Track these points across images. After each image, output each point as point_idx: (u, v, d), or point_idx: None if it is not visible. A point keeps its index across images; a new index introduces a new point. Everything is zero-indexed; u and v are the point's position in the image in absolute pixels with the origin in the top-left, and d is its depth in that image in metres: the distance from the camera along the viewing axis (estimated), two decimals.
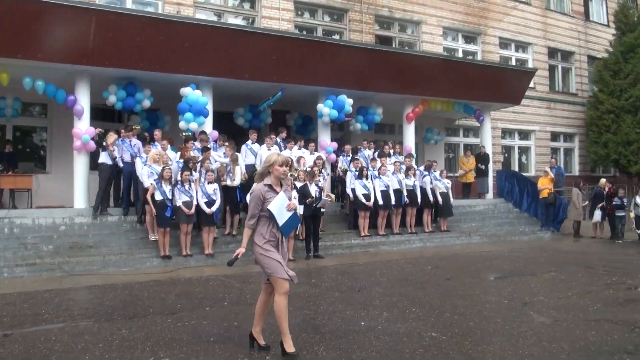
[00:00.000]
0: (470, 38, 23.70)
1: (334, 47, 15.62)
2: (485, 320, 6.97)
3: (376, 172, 14.73)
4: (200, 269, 11.14)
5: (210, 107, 14.07)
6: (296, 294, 8.56)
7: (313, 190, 12.56)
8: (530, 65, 24.50)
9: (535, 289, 9.13)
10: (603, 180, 18.52)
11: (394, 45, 21.12)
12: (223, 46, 13.63)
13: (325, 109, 15.32)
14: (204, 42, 13.38)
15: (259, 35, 14.45)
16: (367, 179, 14.31)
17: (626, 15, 25.21)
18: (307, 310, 7.47)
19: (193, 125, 13.33)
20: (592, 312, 7.48)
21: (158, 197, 11.34)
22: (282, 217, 5.38)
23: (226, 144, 13.41)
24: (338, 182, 15.88)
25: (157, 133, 13.17)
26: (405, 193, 14.97)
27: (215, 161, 12.83)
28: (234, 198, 12.81)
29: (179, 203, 11.52)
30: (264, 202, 5.34)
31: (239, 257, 5.48)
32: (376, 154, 15.89)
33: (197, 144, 13.05)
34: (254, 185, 5.57)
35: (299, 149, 14.66)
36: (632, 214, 17.18)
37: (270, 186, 5.40)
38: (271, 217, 5.34)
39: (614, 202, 17.16)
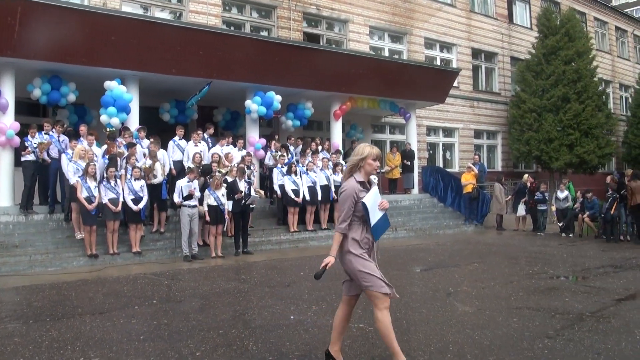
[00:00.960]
0: (396, 37, 24.16)
1: (262, 44, 15.65)
2: (411, 311, 7.21)
3: (304, 168, 14.88)
4: (128, 267, 10.97)
5: (136, 102, 13.86)
6: (225, 290, 8.64)
7: (242, 186, 12.61)
8: (454, 65, 25.19)
9: (459, 280, 9.49)
10: (526, 176, 19.37)
11: (321, 43, 21.29)
12: (150, 40, 13.42)
13: (253, 105, 15.32)
14: (131, 35, 13.15)
15: (186, 30, 14.28)
16: (296, 175, 14.45)
17: (549, 19, 26.27)
18: (237, 306, 7.52)
19: (115, 121, 13.04)
20: (514, 300, 7.85)
21: (83, 194, 11.10)
22: (374, 216, 4.79)
23: (151, 139, 13.20)
24: (267, 179, 15.93)
25: (83, 128, 12.85)
26: (333, 189, 15.15)
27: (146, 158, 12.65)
28: (159, 195, 12.66)
29: (105, 200, 11.31)
30: (357, 202, 4.72)
31: (327, 267, 4.82)
32: (298, 149, 16.09)
33: (123, 140, 12.83)
34: (345, 182, 4.85)
35: (227, 145, 14.62)
36: (553, 208, 18.10)
37: (362, 183, 4.79)
38: (364, 216, 4.73)
39: (536, 197, 17.99)
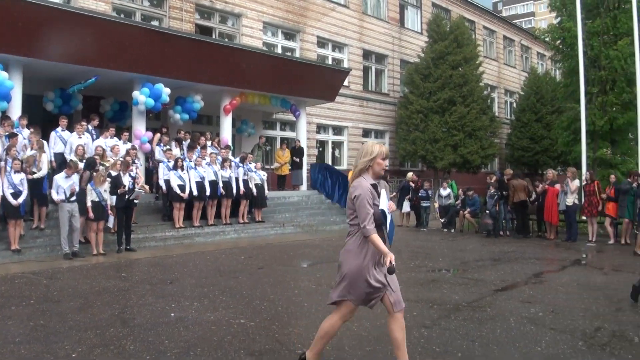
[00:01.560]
0: (289, 35, 24.43)
1: (152, 34, 15.36)
2: (293, 305, 7.44)
3: (192, 164, 14.81)
4: (6, 265, 10.50)
5: (18, 90, 13.31)
6: (105, 288, 8.51)
7: (126, 180, 12.39)
8: (345, 65, 25.83)
9: None
10: (410, 174, 20.25)
11: (214, 36, 21.19)
12: (35, 24, 12.87)
13: (141, 96, 15.05)
14: (15, 18, 12.57)
15: (73, 15, 13.78)
16: (182, 169, 14.35)
17: (439, 25, 27.55)
18: (116, 305, 7.46)
19: None
20: None
21: None
22: (387, 221, 4.70)
23: (31, 129, 12.67)
24: (153, 173, 15.71)
25: None
26: (220, 184, 15.21)
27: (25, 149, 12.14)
28: (40, 189, 12.17)
29: None
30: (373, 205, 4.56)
31: (393, 262, 4.60)
32: (186, 144, 16.02)
33: (1, 130, 12.27)
34: (356, 182, 4.64)
35: (111, 137, 14.27)
36: (436, 205, 19.03)
37: (374, 185, 4.63)
38: (381, 222, 4.62)
39: (419, 194, 18.85)
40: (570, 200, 15.06)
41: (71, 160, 12.34)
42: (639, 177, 13.97)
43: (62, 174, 11.57)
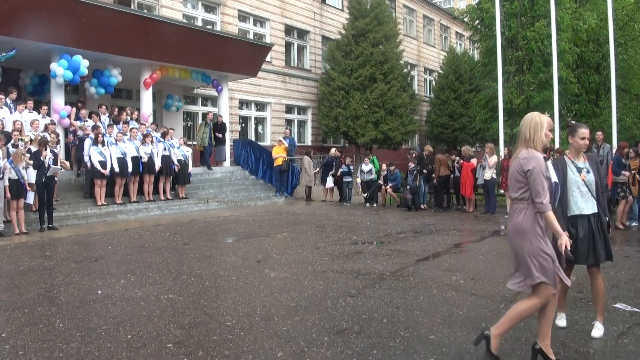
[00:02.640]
0: (210, 7, 24.04)
1: (69, 3, 14.74)
2: (220, 279, 7.50)
3: (113, 139, 14.49)
4: None
5: None
6: (30, 267, 8.34)
7: (46, 157, 12.00)
8: (267, 40, 25.66)
9: (269, 248, 9.96)
10: (333, 150, 20.56)
11: (132, 7, 20.57)
12: None
13: (59, 69, 14.59)
14: None
15: None
16: (103, 145, 14.03)
17: (359, 2, 27.64)
18: (42, 284, 7.32)
19: None
20: (320, 265, 8.43)
21: None
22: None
23: None
24: (70, 148, 15.27)
25: None
26: (143, 160, 15.00)
27: None
28: None
29: None
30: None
31: (568, 246, 4.29)
32: (105, 118, 15.67)
33: None
34: (526, 153, 4.31)
35: (30, 111, 13.77)
36: (358, 180, 19.39)
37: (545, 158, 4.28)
38: (553, 195, 4.31)
39: (341, 170, 19.15)
40: (489, 174, 15.73)
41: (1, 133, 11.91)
42: (553, 152, 14.62)
43: None
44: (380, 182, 18.65)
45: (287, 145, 19.98)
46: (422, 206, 17.14)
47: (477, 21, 23.12)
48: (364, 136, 26.09)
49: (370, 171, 19.05)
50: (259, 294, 6.69)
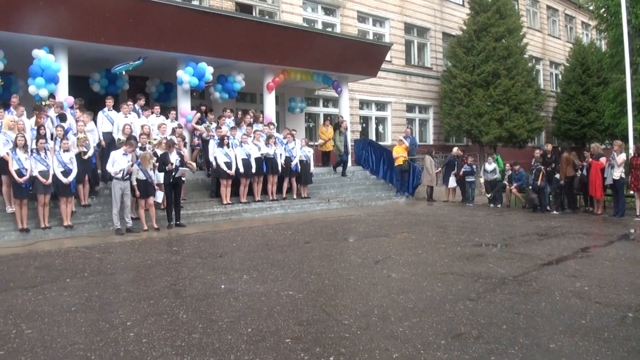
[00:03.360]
0: (329, 10, 24.23)
1: (193, 13, 15.39)
2: (339, 278, 7.45)
3: (237, 141, 14.91)
4: (60, 241, 10.84)
5: (65, 72, 13.55)
6: (157, 262, 8.70)
7: (173, 158, 12.54)
8: (387, 39, 25.49)
9: (389, 249, 9.82)
10: (455, 149, 19.96)
11: (254, 14, 21.13)
12: (78, 7, 13.09)
13: (185, 76, 15.20)
14: (58, 1, 12.79)
15: None
16: (228, 147, 14.47)
17: None
18: (168, 277, 7.61)
19: (43, 92, 12.74)
20: (440, 266, 8.19)
21: (14, 166, 10.83)
22: None
23: (85, 114, 12.85)
24: (196, 151, 15.89)
25: (14, 99, 12.39)
26: (268, 161, 15.33)
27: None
28: (89, 167, 12.46)
29: (35, 173, 11.06)
30: None
31: None
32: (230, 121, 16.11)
33: (52, 112, 12.55)
34: None
35: (157, 116, 14.47)
36: (482, 180, 18.74)
37: None
38: None
39: (464, 169, 18.59)
40: (617, 174, 14.55)
41: (119, 138, 12.65)
42: None
43: (121, 150, 11.91)
44: (505, 182, 17.91)
45: (408, 144, 19.67)
46: (548, 207, 16.26)
47: (603, 9, 21.62)
48: (487, 134, 25.19)
49: (494, 170, 18.31)
50: (376, 294, 6.61)
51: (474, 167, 19.02)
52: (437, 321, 5.52)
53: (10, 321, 5.68)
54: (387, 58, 23.04)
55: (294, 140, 16.48)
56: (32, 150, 11.29)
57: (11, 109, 12.16)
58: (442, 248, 9.86)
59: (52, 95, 13.06)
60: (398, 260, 8.70)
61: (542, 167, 16.24)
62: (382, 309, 5.96)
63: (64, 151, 11.56)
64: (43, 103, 12.56)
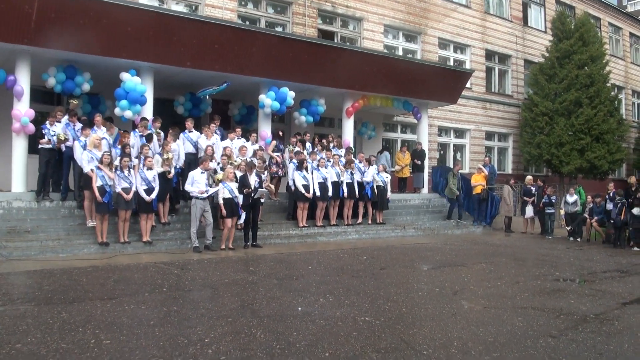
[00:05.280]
0: (410, 37, 24.16)
1: (277, 39, 15.66)
2: (417, 307, 7.30)
3: (315, 164, 14.94)
4: (138, 256, 11.09)
5: (150, 94, 13.97)
6: (234, 281, 8.75)
7: (252, 180, 12.67)
8: (467, 66, 25.15)
9: (466, 279, 9.58)
10: (529, 177, 19.41)
11: (336, 40, 21.34)
12: (165, 33, 13.52)
13: (267, 100, 15.38)
14: (146, 27, 13.26)
15: (201, 24, 14.33)
16: (307, 170, 14.52)
17: (563, 22, 26.10)
18: (245, 296, 7.62)
19: (127, 113, 13.18)
20: (520, 300, 7.93)
21: (98, 183, 11.19)
22: None
23: (168, 138, 13.20)
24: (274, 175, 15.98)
25: (98, 118, 12.91)
26: (343, 186, 15.26)
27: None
28: (171, 186, 12.75)
29: (118, 189, 11.40)
30: None
31: None
32: (313, 147, 16.19)
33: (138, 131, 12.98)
34: None
35: (239, 138, 14.69)
36: (562, 211, 18.07)
37: None
38: None
39: (543, 200, 17.95)
40: None
41: (200, 157, 12.93)
42: None
43: (198, 170, 12.13)
44: (586, 214, 17.15)
45: (487, 173, 19.18)
46: (631, 244, 15.41)
47: None
48: (568, 165, 24.28)
49: (575, 202, 17.61)
50: (455, 325, 6.43)
51: (553, 198, 18.31)
52: (519, 357, 5.36)
53: (89, 331, 5.79)
54: (468, 85, 22.70)
55: (370, 165, 16.36)
56: (116, 168, 11.64)
57: (95, 127, 12.60)
58: (522, 281, 9.58)
59: (137, 115, 13.51)
60: (476, 292, 8.47)
61: (625, 200, 15.50)
62: (462, 341, 5.80)
63: (147, 169, 11.87)
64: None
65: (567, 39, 25.45)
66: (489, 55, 26.98)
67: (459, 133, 25.72)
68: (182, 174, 13.07)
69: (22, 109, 12.45)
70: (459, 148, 25.95)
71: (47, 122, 12.32)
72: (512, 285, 9.09)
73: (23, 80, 12.63)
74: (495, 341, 5.83)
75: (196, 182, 11.94)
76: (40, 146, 12.19)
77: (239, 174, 12.66)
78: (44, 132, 12.15)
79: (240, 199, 12.38)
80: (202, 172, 12.07)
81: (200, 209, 11.91)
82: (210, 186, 12.24)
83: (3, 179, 13.15)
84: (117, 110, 13.28)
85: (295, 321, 6.35)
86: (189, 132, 13.99)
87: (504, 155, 27.83)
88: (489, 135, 26.82)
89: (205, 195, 11.90)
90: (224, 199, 12.11)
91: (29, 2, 11.71)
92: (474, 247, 14.26)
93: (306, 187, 14.39)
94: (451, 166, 23.12)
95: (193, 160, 13.43)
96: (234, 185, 12.23)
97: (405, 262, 11.42)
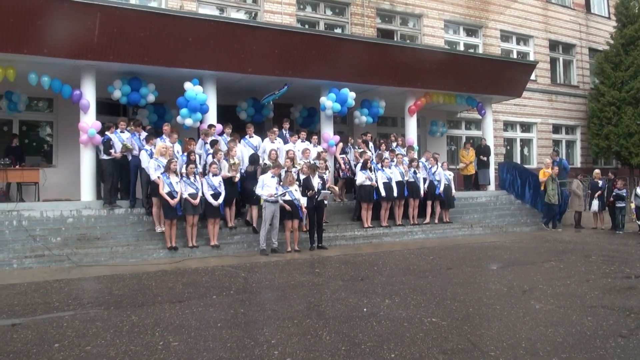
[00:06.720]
0: (471, 31, 23.77)
1: (336, 41, 15.73)
2: (484, 307, 7.16)
3: (379, 165, 14.87)
4: (206, 259, 11.30)
5: (213, 101, 14.25)
6: (300, 282, 8.79)
7: (316, 182, 12.73)
8: (531, 57, 24.54)
9: (535, 278, 9.31)
10: (597, 171, 18.73)
11: (395, 39, 21.20)
12: (226, 40, 13.76)
13: (328, 102, 15.43)
14: (207, 36, 13.52)
15: (261, 30, 14.54)
16: (370, 170, 14.46)
17: (627, 7, 25.09)
18: (311, 298, 7.65)
19: (188, 122, 13.49)
20: (590, 299, 7.66)
21: (165, 189, 11.47)
22: None
23: (231, 144, 13.31)
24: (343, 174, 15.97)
25: (166, 127, 13.21)
26: (407, 185, 15.16)
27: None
28: (237, 190, 12.93)
29: (185, 195, 11.66)
30: None
31: None
32: (375, 147, 16.16)
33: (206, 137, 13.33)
34: None
35: (302, 141, 14.79)
36: (632, 205, 17.31)
37: None
38: None
39: (613, 193, 17.26)
40: None
41: (265, 163, 13.08)
42: None
43: (269, 174, 12.28)
44: None
45: (556, 169, 18.59)
46: None
47: None
48: (637, 156, 23.31)
49: None
50: (524, 325, 6.28)
51: (624, 191, 17.53)
52: (588, 358, 5.20)
53: (157, 333, 5.92)
54: (532, 77, 22.14)
55: (436, 164, 16.16)
56: (182, 175, 11.91)
57: (164, 136, 12.93)
58: (592, 279, 9.24)
59: (201, 122, 13.83)
60: (546, 291, 8.22)
61: None
62: (531, 342, 5.65)
63: (213, 175, 12.09)
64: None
65: (631, 24, 24.49)
66: (553, 45, 26.22)
67: (525, 127, 25.08)
68: (243, 179, 13.23)
69: (89, 121, 12.91)
70: (525, 143, 25.31)
71: (109, 131, 12.76)
72: (582, 284, 8.80)
73: (88, 93, 13.11)
74: (564, 342, 5.67)
75: (266, 186, 12.06)
76: (103, 157, 12.63)
77: (302, 176, 12.75)
78: (110, 141, 12.58)
79: (303, 201, 12.44)
80: (272, 177, 12.20)
81: (271, 212, 12.03)
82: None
83: (71, 189, 13.67)
84: (178, 119, 13.62)
85: (360, 322, 6.32)
86: (250, 137, 14.18)
87: (572, 148, 26.97)
88: (556, 128, 26.05)
89: (274, 198, 12.01)
90: (284, 201, 12.20)
91: (91, 18, 12.14)
92: (544, 245, 13.87)
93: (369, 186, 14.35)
94: (518, 162, 22.69)
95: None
96: (293, 188, 12.30)
97: (473, 262, 11.22)
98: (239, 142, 13.84)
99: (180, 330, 6.02)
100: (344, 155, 15.76)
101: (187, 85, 13.44)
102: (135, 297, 7.80)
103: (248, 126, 14.54)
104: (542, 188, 18.11)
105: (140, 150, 12.66)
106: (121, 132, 12.87)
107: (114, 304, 7.33)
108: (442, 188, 15.86)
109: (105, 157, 12.62)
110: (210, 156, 12.81)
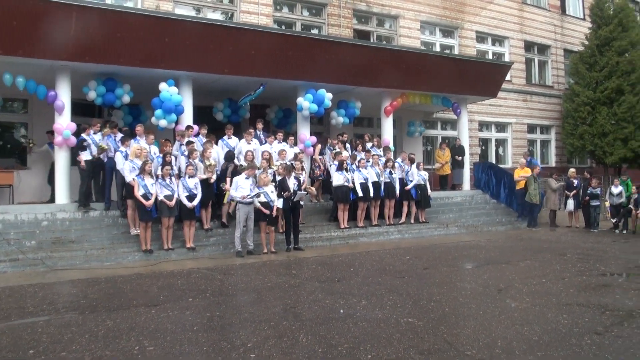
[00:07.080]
0: (447, 32, 23.93)
1: (312, 42, 15.77)
2: (460, 306, 7.23)
3: (354, 166, 14.91)
4: (182, 262, 11.24)
5: (189, 102, 14.17)
6: (276, 284, 8.78)
7: (292, 183, 12.70)
8: (506, 58, 24.79)
9: (510, 277, 9.41)
10: (572, 170, 18.96)
11: (372, 40, 21.28)
12: (202, 41, 13.69)
13: (305, 102, 15.43)
14: (183, 37, 13.44)
15: (237, 30, 14.45)
16: (347, 171, 14.48)
17: (602, 9, 25.40)
18: (288, 300, 7.65)
19: (163, 123, 13.39)
20: (565, 297, 7.77)
21: (140, 191, 11.38)
22: None
23: (206, 145, 13.31)
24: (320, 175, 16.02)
25: (139, 128, 13.13)
26: (383, 185, 15.20)
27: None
28: (212, 192, 12.87)
29: (160, 197, 11.57)
30: None
31: None
32: (351, 148, 16.20)
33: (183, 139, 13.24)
34: None
35: (279, 142, 14.77)
36: (607, 203, 17.58)
37: None
38: None
39: (588, 192, 17.51)
40: None
41: (241, 165, 13.02)
42: None
43: (243, 175, 12.20)
44: (631, 206, 16.67)
45: (529, 166, 18.82)
46: None
47: None
48: (612, 155, 23.63)
49: (620, 194, 17.11)
50: (499, 324, 6.35)
51: (599, 190, 17.81)
52: (564, 356, 5.27)
53: (133, 337, 5.89)
54: (507, 77, 22.40)
55: (411, 164, 16.25)
56: (157, 176, 11.84)
57: (137, 137, 12.83)
58: (567, 277, 9.38)
59: (177, 123, 13.76)
60: (521, 290, 8.33)
61: None
62: (506, 340, 5.72)
63: (189, 177, 12.03)
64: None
65: (606, 25, 24.78)
66: (528, 46, 26.55)
67: (500, 127, 25.35)
68: (219, 179, 13.19)
69: (64, 123, 12.77)
70: (501, 142, 25.57)
71: (85, 132, 12.64)
72: (557, 282, 8.92)
73: (63, 94, 12.96)
74: (540, 340, 5.74)
75: (240, 187, 12.00)
76: (81, 158, 12.48)
77: (278, 177, 12.74)
78: (84, 142, 12.46)
79: (279, 202, 12.42)
80: (246, 178, 12.13)
81: (245, 214, 11.98)
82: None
83: (45, 191, 13.51)
84: (153, 120, 13.53)
85: (337, 324, 6.34)
86: (228, 138, 14.15)
87: (546, 148, 27.32)
88: (531, 128, 26.38)
89: (247, 200, 11.96)
90: (259, 202, 12.17)
91: (66, 19, 12.00)
92: (519, 244, 14.04)
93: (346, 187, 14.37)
94: (493, 161, 22.89)
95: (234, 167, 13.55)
96: (268, 190, 12.27)
97: (449, 261, 11.31)
98: (216, 143, 13.81)
99: (155, 334, 5.98)
100: (321, 156, 15.79)
101: (162, 85, 13.34)
102: (110, 301, 7.72)
103: (228, 127, 14.50)
104: (517, 187, 18.31)
105: (114, 150, 12.57)
106: (94, 133, 12.75)
107: (89, 308, 7.26)
108: (411, 185, 15.88)
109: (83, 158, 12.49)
110: (184, 157, 12.75)
